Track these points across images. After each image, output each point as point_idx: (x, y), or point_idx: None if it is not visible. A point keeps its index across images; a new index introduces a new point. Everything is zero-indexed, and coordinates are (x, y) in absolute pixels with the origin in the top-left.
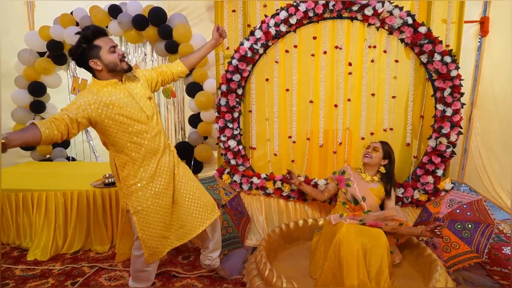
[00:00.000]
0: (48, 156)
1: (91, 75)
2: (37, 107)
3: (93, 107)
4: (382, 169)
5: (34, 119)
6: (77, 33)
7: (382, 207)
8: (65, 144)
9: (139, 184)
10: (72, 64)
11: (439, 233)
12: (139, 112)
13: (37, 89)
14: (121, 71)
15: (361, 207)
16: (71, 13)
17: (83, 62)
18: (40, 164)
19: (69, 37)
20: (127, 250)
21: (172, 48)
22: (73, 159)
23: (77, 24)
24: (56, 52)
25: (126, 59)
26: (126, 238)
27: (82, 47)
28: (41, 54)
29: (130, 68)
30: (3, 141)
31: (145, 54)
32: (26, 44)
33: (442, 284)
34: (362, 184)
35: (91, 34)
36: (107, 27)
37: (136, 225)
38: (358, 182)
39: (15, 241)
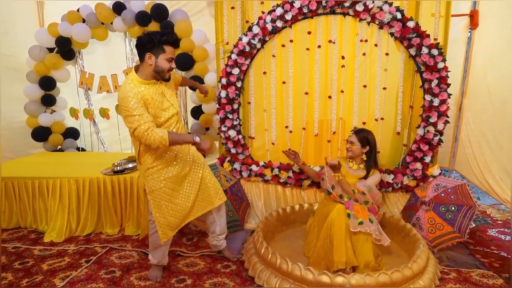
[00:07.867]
0: (59, 147)
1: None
2: (48, 101)
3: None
4: (364, 157)
5: (45, 111)
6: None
7: None
8: (76, 135)
9: (154, 168)
10: (80, 59)
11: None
12: (167, 108)
13: (47, 83)
14: (162, 78)
15: (334, 194)
16: (78, 10)
17: (142, 49)
18: (53, 154)
19: (76, 33)
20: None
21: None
22: (83, 150)
23: (84, 21)
24: (64, 48)
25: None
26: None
27: (152, 42)
28: (50, 50)
29: (169, 79)
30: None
31: None
32: (36, 41)
33: (423, 259)
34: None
35: (168, 40)
36: (111, 23)
37: (151, 203)
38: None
39: (32, 225)
